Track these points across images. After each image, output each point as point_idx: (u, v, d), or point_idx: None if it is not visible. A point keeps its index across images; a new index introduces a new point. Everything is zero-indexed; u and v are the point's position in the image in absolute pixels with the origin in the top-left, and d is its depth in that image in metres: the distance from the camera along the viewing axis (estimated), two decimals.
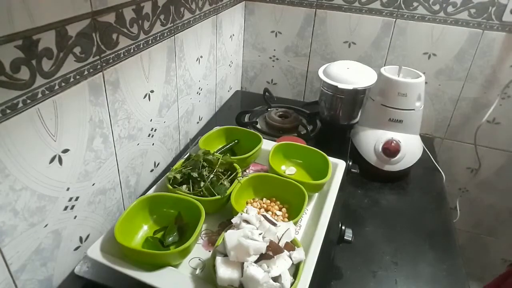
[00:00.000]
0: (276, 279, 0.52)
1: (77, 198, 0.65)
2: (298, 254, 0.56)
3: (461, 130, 1.26)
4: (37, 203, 0.57)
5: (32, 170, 0.54)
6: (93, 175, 0.68)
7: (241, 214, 0.60)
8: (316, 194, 0.78)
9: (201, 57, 1.03)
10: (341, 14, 1.20)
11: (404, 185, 0.98)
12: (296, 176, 0.79)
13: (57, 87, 0.56)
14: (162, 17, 0.79)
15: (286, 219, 0.69)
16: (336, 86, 1.01)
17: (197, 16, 0.95)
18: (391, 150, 0.93)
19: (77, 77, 0.59)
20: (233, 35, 1.25)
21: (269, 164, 0.78)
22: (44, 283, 0.62)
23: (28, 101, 0.51)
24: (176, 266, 0.60)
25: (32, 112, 0.52)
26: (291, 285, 0.53)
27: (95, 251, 0.58)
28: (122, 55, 0.69)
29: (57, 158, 0.59)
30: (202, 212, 0.62)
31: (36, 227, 0.58)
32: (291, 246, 0.57)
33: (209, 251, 0.64)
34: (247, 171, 0.85)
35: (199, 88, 1.07)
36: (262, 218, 0.59)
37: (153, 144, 0.88)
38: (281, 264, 0.53)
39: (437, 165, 1.04)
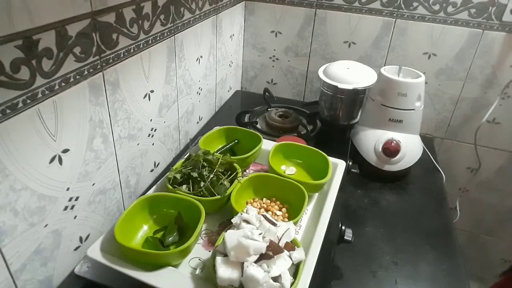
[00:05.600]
0: (276, 279, 0.52)
1: (77, 198, 0.65)
2: (298, 254, 0.56)
3: (461, 130, 1.26)
4: (37, 203, 0.57)
5: (32, 170, 0.54)
6: (93, 175, 0.68)
7: (241, 214, 0.60)
8: (316, 194, 0.78)
9: (201, 57, 1.03)
10: (341, 14, 1.20)
11: (404, 185, 0.98)
12: (296, 176, 0.79)
13: (57, 87, 0.56)
14: (162, 17, 0.79)
15: (286, 219, 0.69)
16: (336, 86, 1.01)
17: (197, 16, 0.95)
18: (391, 150, 0.93)
19: (77, 77, 0.59)
20: (233, 35, 1.25)
21: (269, 164, 0.78)
22: (44, 283, 0.62)
23: (28, 101, 0.51)
24: (176, 266, 0.60)
25: (32, 112, 0.52)
26: (291, 285, 0.53)
27: (95, 251, 0.58)
28: (122, 55, 0.69)
29: (57, 158, 0.59)
30: (202, 212, 0.62)
31: (36, 227, 0.58)
32: (291, 246, 0.57)
33: (209, 251, 0.64)
34: (247, 171, 0.85)
35: (199, 88, 1.07)
36: (262, 218, 0.59)
37: (153, 144, 0.88)
38: (281, 264, 0.53)
39: (437, 165, 1.04)
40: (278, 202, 0.73)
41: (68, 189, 0.63)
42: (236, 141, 0.89)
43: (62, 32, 0.54)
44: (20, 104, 0.50)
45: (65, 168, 0.61)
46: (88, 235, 0.71)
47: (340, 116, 1.10)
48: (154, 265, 0.57)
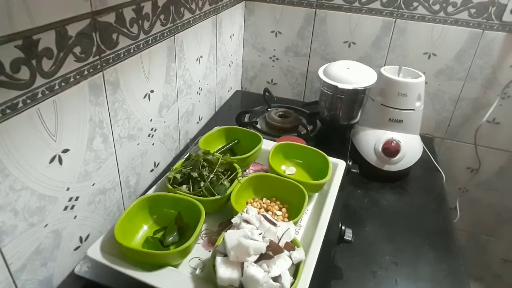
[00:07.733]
0: (276, 279, 0.52)
1: (77, 198, 0.65)
2: (298, 254, 0.56)
3: (461, 130, 1.26)
4: (37, 203, 0.57)
5: (32, 170, 0.54)
6: (93, 175, 0.68)
7: (241, 214, 0.60)
8: (316, 194, 0.78)
9: (201, 57, 1.03)
10: (341, 14, 1.20)
11: (404, 185, 0.98)
12: (296, 176, 0.79)
13: (57, 87, 0.56)
14: (162, 17, 0.79)
15: (286, 219, 0.69)
16: (336, 86, 1.01)
17: (197, 16, 0.95)
18: (391, 150, 0.93)
19: (77, 77, 0.59)
20: (233, 35, 1.25)
21: (269, 164, 0.78)
22: (44, 283, 0.62)
23: (28, 101, 0.51)
24: (176, 266, 0.60)
25: (32, 112, 0.52)
26: (291, 285, 0.53)
27: (95, 251, 0.58)
28: (122, 55, 0.69)
29: (57, 158, 0.59)
30: (202, 212, 0.62)
31: (36, 227, 0.58)
32: (291, 246, 0.57)
33: (209, 251, 0.64)
34: (247, 171, 0.85)
35: (199, 88, 1.07)
36: (262, 218, 0.59)
37: (153, 144, 0.88)
38: (281, 264, 0.53)
39: (437, 165, 1.04)
40: (278, 202, 0.73)
41: (68, 189, 0.63)
42: (236, 141, 0.89)
43: (62, 32, 0.54)
44: (20, 104, 0.50)
45: (65, 168, 0.61)
46: (88, 235, 0.71)
47: (340, 116, 1.10)
48: (154, 265, 0.57)
